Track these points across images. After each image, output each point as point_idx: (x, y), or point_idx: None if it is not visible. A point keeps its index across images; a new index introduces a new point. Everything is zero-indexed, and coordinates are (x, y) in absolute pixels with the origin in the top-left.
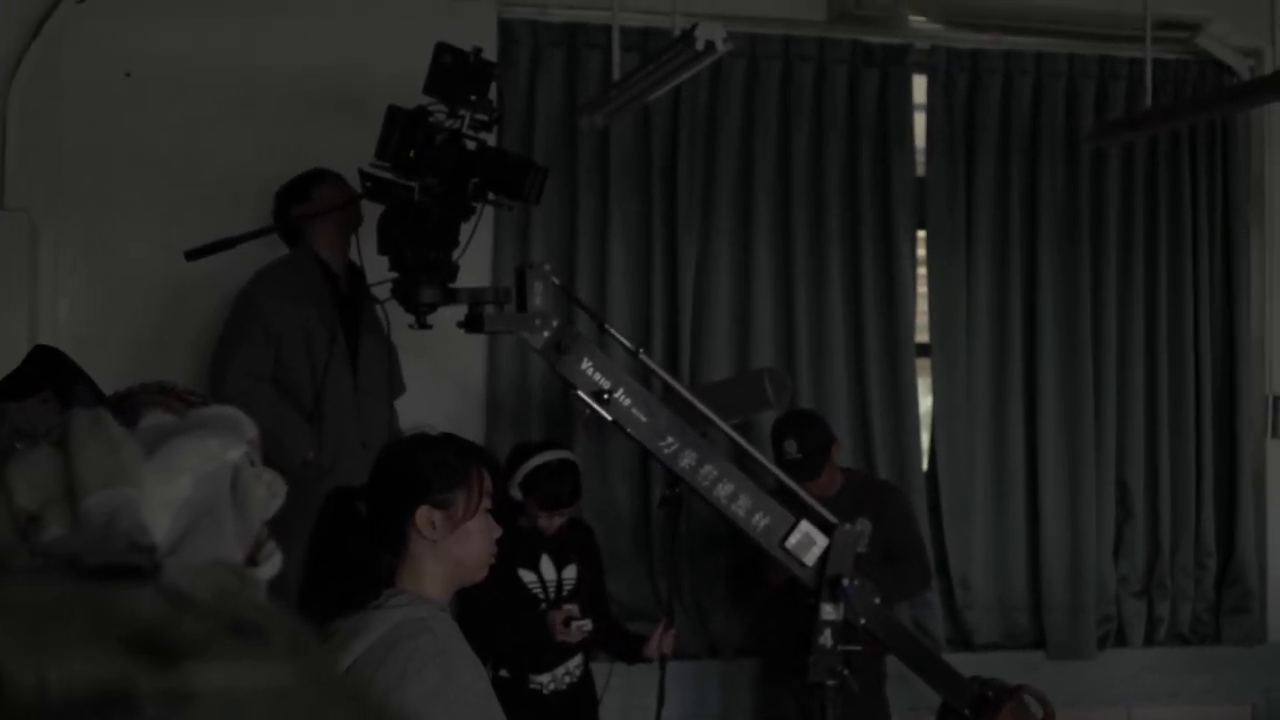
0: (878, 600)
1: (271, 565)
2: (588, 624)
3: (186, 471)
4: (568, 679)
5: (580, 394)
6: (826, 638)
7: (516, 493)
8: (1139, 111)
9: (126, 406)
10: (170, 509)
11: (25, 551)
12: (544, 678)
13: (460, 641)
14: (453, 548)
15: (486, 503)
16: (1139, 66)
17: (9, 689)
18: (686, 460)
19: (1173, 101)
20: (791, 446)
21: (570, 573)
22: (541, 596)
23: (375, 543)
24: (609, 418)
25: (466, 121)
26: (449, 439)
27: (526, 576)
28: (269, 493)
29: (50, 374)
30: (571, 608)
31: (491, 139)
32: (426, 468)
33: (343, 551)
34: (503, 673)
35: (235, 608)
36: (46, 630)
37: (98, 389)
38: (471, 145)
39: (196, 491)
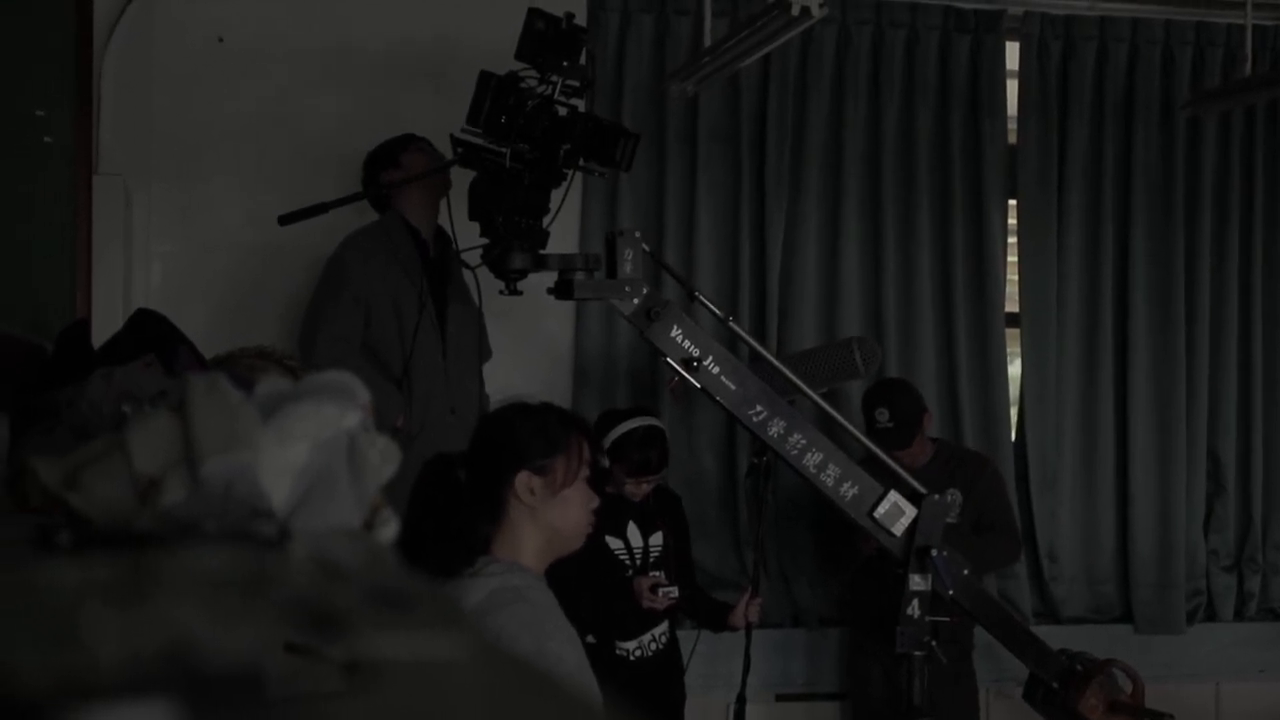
0: (966, 571)
1: (388, 531)
2: (674, 591)
3: (304, 438)
4: (654, 646)
5: (669, 361)
6: (914, 608)
7: (604, 460)
8: (1237, 79)
9: (233, 372)
10: (288, 475)
11: (147, 516)
12: (630, 644)
13: (556, 611)
14: (551, 515)
15: (585, 471)
16: (1237, 33)
17: (199, 660)
18: (775, 428)
19: (1272, 69)
20: (883, 415)
21: (657, 540)
22: (628, 563)
23: (473, 510)
24: (697, 385)
25: (558, 88)
26: (548, 407)
27: (614, 543)
28: (383, 459)
29: (152, 338)
30: (658, 575)
31: (582, 105)
32: (526, 434)
33: (441, 518)
34: (589, 639)
35: (380, 575)
36: (225, 601)
37: (199, 353)
38: (563, 111)
39: (314, 458)
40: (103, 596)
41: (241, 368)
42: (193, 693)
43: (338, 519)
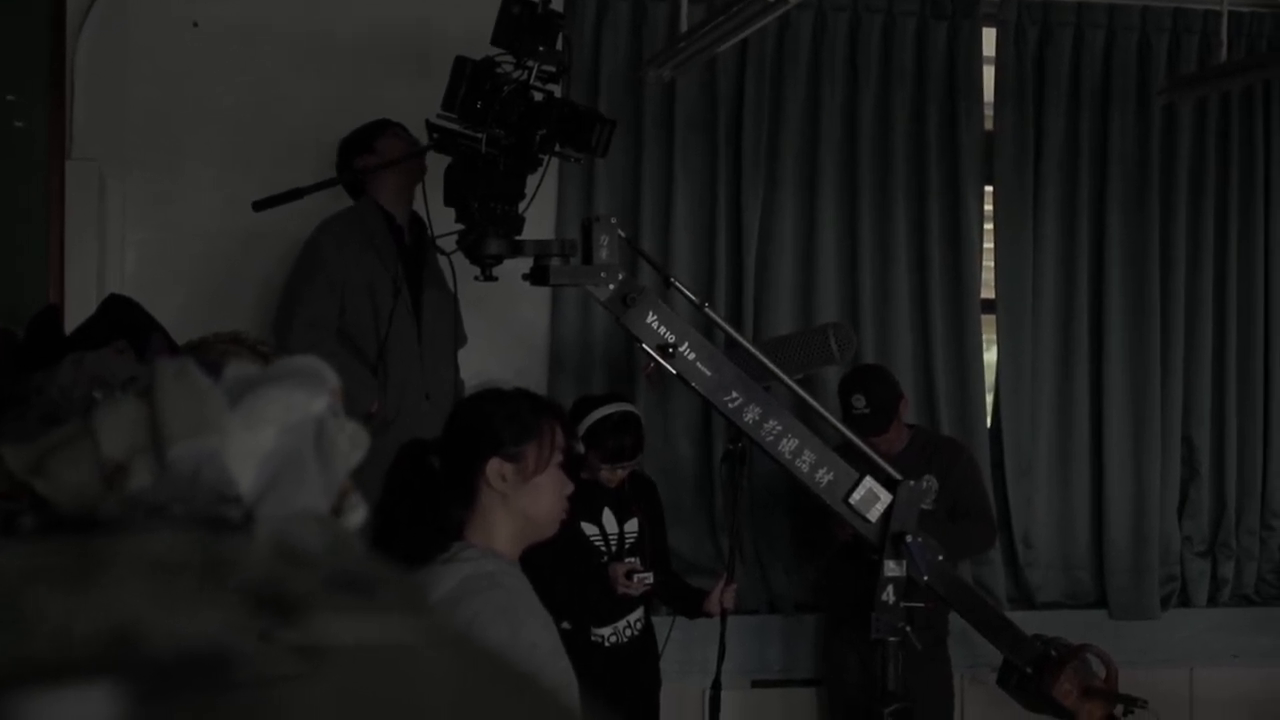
0: (941, 557)
1: (356, 516)
2: (649, 577)
3: (271, 422)
4: (629, 632)
5: (644, 347)
6: (889, 594)
7: (579, 446)
8: (1213, 66)
9: (202, 357)
10: (255, 460)
11: (113, 501)
12: (605, 630)
13: (530, 596)
14: (523, 501)
15: (558, 457)
16: (1214, 19)
17: (146, 645)
18: (750, 415)
19: (1248, 55)
20: (860, 401)
21: (632, 526)
22: (604, 549)
23: (446, 496)
24: (673, 371)
25: (534, 73)
26: (521, 393)
27: (589, 529)
28: (351, 444)
29: (124, 323)
30: (633, 561)
31: (558, 91)
32: (498, 420)
33: (414, 504)
34: (564, 625)
35: (343, 560)
36: (174, 585)
37: (171, 339)
38: (539, 97)
39: (281, 442)
40: (49, 580)
41: (214, 353)
42: (139, 677)
43: (305, 504)
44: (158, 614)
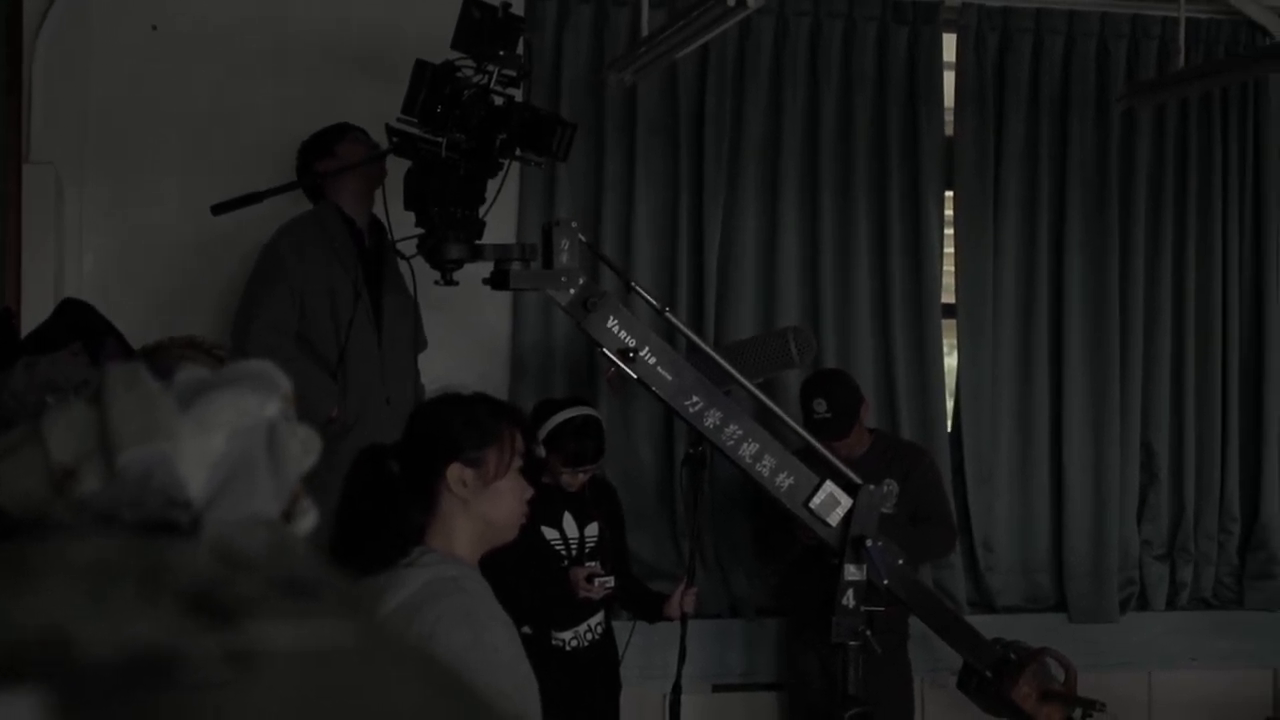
0: (901, 561)
1: (307, 521)
2: (610, 581)
3: (223, 427)
4: (590, 636)
5: (605, 352)
6: (849, 598)
7: (540, 450)
8: (1171, 72)
9: (157, 361)
10: (206, 464)
11: (62, 506)
12: (566, 634)
13: (491, 601)
14: (483, 506)
15: (518, 462)
16: (1172, 25)
17: (75, 650)
18: (711, 419)
19: (1205, 62)
20: (821, 405)
21: (593, 530)
22: (564, 553)
23: (406, 501)
24: (634, 376)
25: (494, 77)
26: (481, 398)
27: (549, 533)
28: (303, 449)
29: (79, 327)
30: (594, 565)
31: (519, 95)
32: (458, 426)
33: (374, 509)
34: (525, 629)
35: (286, 565)
36: (106, 590)
37: (126, 342)
38: (499, 101)
39: (232, 447)
40: None
41: (170, 357)
42: (66, 684)
43: (257, 508)
44: (89, 619)
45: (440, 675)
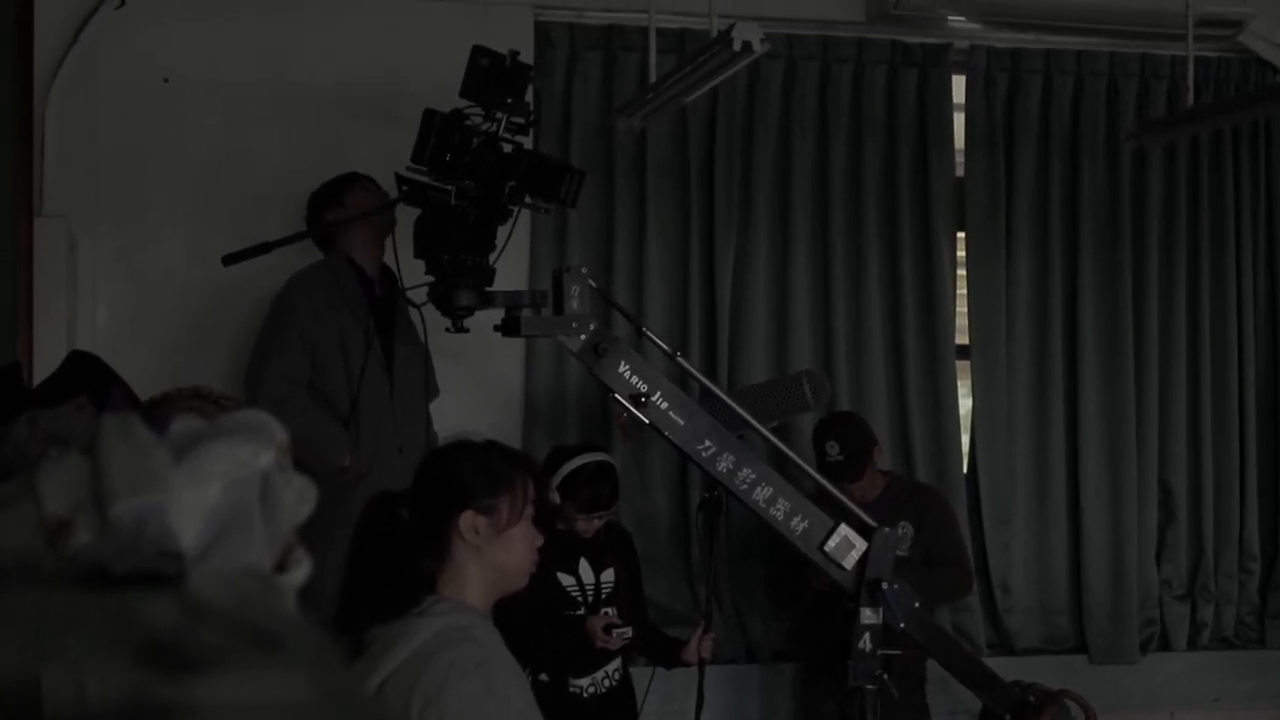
0: (917, 604)
1: (300, 572)
2: (628, 632)
3: (216, 477)
4: (607, 683)
5: (618, 397)
6: (865, 642)
7: (554, 496)
8: (1181, 110)
9: (160, 412)
10: (199, 515)
11: (54, 558)
12: (583, 681)
13: (502, 650)
14: (496, 554)
15: (530, 510)
16: (1181, 65)
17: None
18: (724, 463)
19: (1215, 100)
20: (834, 448)
21: (608, 576)
22: (580, 599)
23: (417, 549)
24: (646, 421)
25: (503, 125)
26: (492, 445)
27: (565, 580)
28: (299, 499)
29: (86, 379)
30: (612, 615)
31: (528, 142)
32: (471, 473)
33: (384, 557)
34: (542, 677)
35: (255, 616)
36: (59, 640)
37: (133, 394)
38: (508, 148)
39: (226, 497)
40: None
41: (176, 408)
42: None
43: (249, 559)
44: (37, 669)
45: None
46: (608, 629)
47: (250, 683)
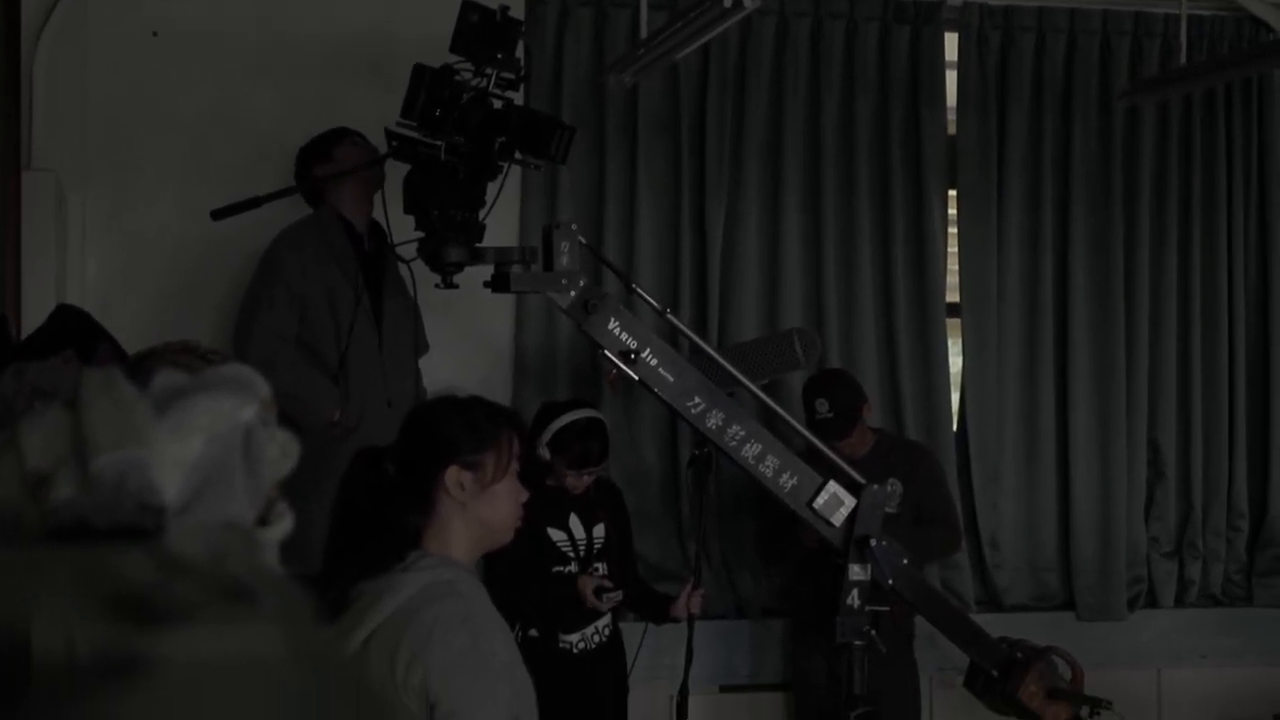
0: (906, 561)
1: (282, 526)
2: (619, 595)
3: (198, 431)
4: (597, 638)
5: (607, 354)
6: (854, 598)
7: (544, 452)
8: (1174, 69)
9: (147, 367)
10: (181, 469)
11: (36, 512)
12: (573, 637)
13: (487, 604)
14: (481, 509)
15: (515, 465)
16: (1174, 23)
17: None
18: (713, 420)
19: (1208, 58)
20: (823, 405)
21: (599, 531)
22: (571, 555)
23: (402, 504)
24: (635, 377)
25: (493, 80)
26: (477, 401)
27: (555, 535)
28: (281, 453)
29: (73, 334)
30: (603, 576)
31: (518, 98)
32: (456, 429)
33: (369, 512)
34: (532, 632)
35: (231, 570)
36: (31, 593)
37: (120, 348)
38: (498, 104)
39: (208, 451)
40: None
41: (164, 363)
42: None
43: (231, 513)
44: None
45: (361, 695)
46: (598, 592)
47: (222, 636)
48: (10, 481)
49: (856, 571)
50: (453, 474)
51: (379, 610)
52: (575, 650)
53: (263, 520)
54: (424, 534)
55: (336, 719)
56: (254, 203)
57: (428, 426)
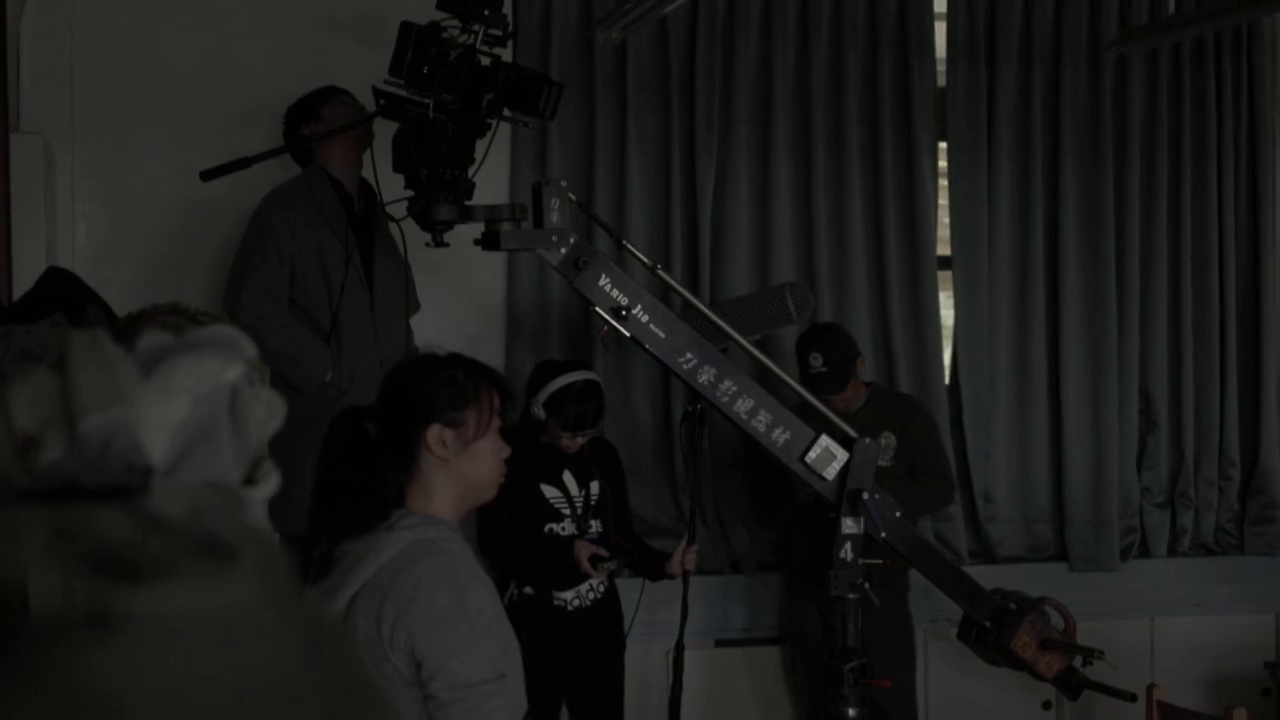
0: (898, 514)
1: (269, 485)
2: (614, 564)
3: (184, 392)
4: (591, 595)
5: (598, 310)
6: (847, 551)
7: (539, 412)
8: (1163, 17)
9: (135, 328)
10: (167, 430)
11: (24, 472)
12: (568, 594)
13: (472, 562)
14: (463, 467)
15: (496, 422)
16: None
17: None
18: (705, 376)
19: (1197, 6)
20: (817, 360)
21: (595, 488)
22: (566, 512)
23: (385, 463)
24: (626, 334)
25: (480, 37)
26: (457, 358)
27: (549, 491)
28: (267, 413)
29: (63, 296)
30: (592, 535)
31: (506, 55)
32: (436, 387)
33: (351, 472)
34: (527, 590)
35: (208, 527)
36: (5, 550)
37: (110, 310)
38: (486, 61)
39: (194, 412)
40: None
41: (154, 324)
42: None
43: (217, 473)
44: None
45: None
46: (594, 560)
47: (197, 591)
48: (0, 442)
49: (849, 525)
50: (434, 432)
51: (363, 570)
52: (570, 608)
53: (249, 480)
54: (407, 493)
55: (312, 671)
56: (243, 163)
57: (408, 386)
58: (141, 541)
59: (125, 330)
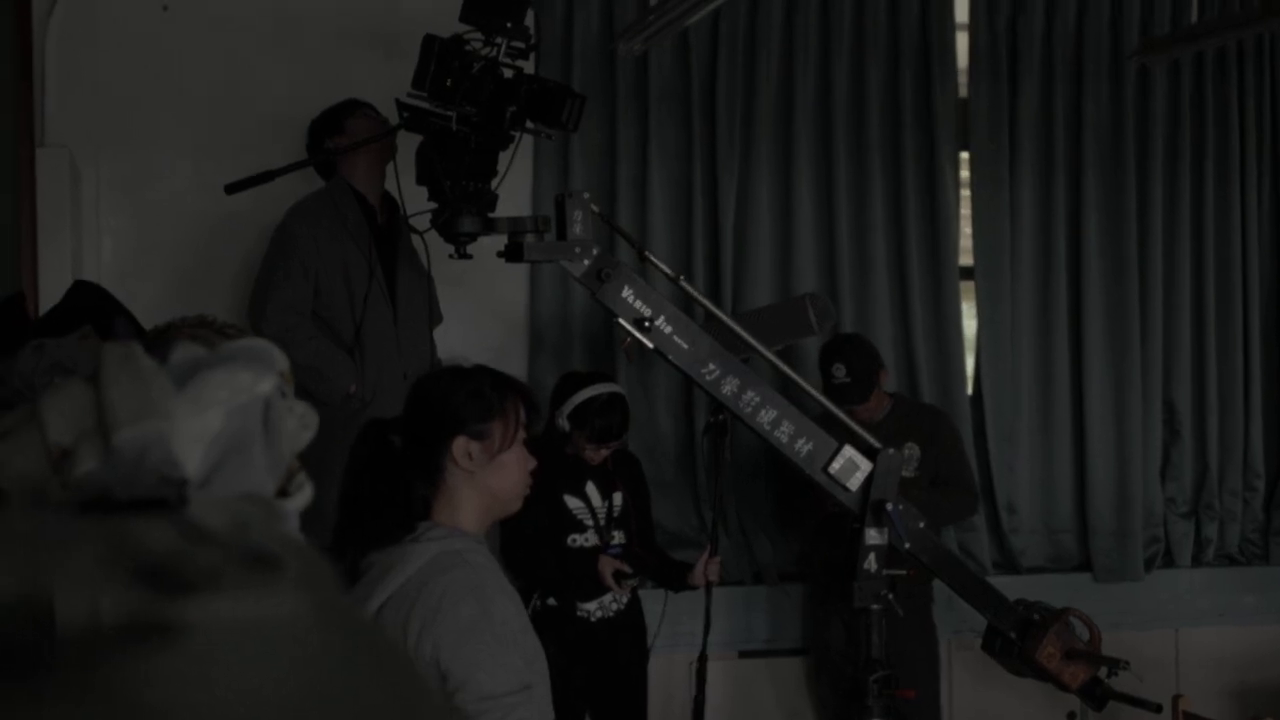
0: (922, 525)
1: (302, 496)
2: (637, 580)
3: (217, 405)
4: (615, 606)
5: (621, 322)
6: (871, 562)
7: (564, 423)
8: (1185, 27)
9: (164, 341)
10: (201, 443)
11: (59, 485)
12: (591, 605)
13: (497, 574)
14: (489, 479)
15: (521, 434)
16: None
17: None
18: (728, 387)
19: (1219, 16)
20: (840, 370)
21: (618, 500)
22: (589, 523)
23: (411, 475)
24: (650, 345)
25: (503, 50)
26: (482, 370)
27: (572, 503)
28: (300, 424)
29: (91, 310)
30: (621, 560)
31: (529, 67)
32: (462, 399)
33: (377, 485)
34: (550, 601)
35: (253, 539)
36: (55, 563)
37: (137, 324)
38: (508, 73)
39: (227, 424)
40: None
41: (182, 337)
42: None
43: (251, 485)
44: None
45: (388, 663)
46: (618, 576)
47: (247, 601)
48: (33, 455)
49: (873, 536)
50: (460, 444)
51: (389, 582)
52: (593, 619)
53: (283, 491)
54: (433, 505)
55: (364, 679)
56: (267, 176)
57: (433, 398)
58: (188, 553)
59: (155, 343)
